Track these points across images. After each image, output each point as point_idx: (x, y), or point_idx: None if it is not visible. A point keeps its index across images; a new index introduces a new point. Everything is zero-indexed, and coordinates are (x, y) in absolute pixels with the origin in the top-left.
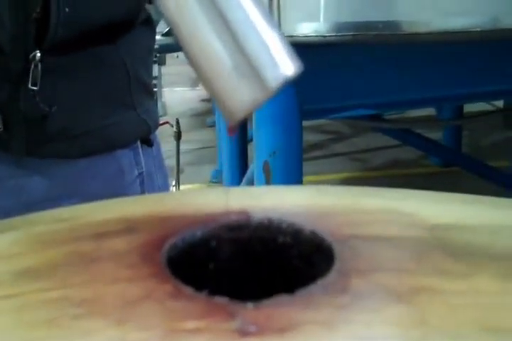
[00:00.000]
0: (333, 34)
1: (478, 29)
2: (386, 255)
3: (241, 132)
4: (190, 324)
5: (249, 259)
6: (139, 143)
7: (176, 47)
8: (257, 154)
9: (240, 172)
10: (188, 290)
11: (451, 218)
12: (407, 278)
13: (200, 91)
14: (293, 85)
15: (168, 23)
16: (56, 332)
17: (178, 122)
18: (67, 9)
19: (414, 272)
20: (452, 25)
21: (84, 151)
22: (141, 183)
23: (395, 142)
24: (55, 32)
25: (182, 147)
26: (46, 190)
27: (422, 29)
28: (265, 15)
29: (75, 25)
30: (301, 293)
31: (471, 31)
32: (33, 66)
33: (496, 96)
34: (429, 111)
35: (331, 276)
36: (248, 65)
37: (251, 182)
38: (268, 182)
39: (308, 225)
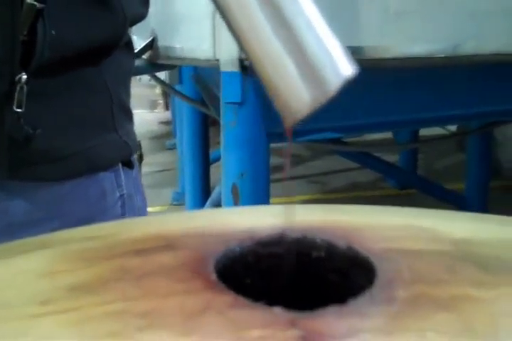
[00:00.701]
0: None
1: (441, 55)
2: (422, 267)
3: (203, 154)
4: (255, 332)
5: (284, 274)
6: (120, 165)
7: (140, 70)
8: (225, 176)
9: (202, 195)
10: (247, 300)
11: (467, 233)
12: (446, 287)
13: (159, 114)
14: (260, 109)
15: (231, 27)
16: None
17: (140, 144)
18: (53, 32)
19: (451, 282)
20: (415, 51)
21: (67, 174)
22: (122, 205)
23: (354, 165)
24: (41, 54)
25: (142, 170)
26: (28, 213)
27: (387, 55)
28: (323, 19)
29: (61, 48)
30: (352, 304)
31: (433, 57)
32: (18, 88)
33: (451, 121)
34: (386, 134)
35: (376, 287)
36: (309, 66)
37: (216, 204)
38: (236, 204)
39: (339, 240)
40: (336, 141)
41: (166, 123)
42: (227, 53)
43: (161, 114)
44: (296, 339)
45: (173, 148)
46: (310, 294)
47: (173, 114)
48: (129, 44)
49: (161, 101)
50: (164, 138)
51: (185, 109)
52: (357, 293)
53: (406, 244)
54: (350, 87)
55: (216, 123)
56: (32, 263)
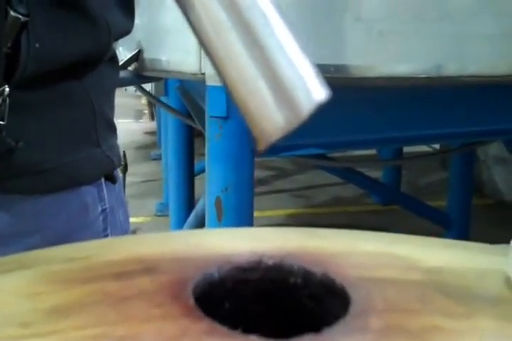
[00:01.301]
0: None
1: (424, 75)
2: (394, 296)
3: (188, 165)
4: None
5: (261, 299)
6: (102, 179)
7: (126, 81)
8: (209, 190)
9: (187, 206)
10: (223, 328)
11: (440, 262)
12: (418, 318)
13: (144, 124)
14: (245, 123)
15: (204, 47)
16: None
17: (124, 155)
18: (37, 45)
19: (423, 312)
20: (399, 71)
21: (49, 187)
22: (104, 220)
23: (337, 180)
24: (24, 67)
25: (126, 180)
26: (9, 225)
27: (371, 73)
28: (297, 42)
29: (45, 61)
30: (327, 332)
31: (416, 77)
32: (0, 100)
33: (433, 140)
34: (370, 150)
35: (350, 316)
36: (282, 90)
37: (200, 217)
38: (220, 217)
39: (315, 267)
40: (320, 156)
41: (151, 133)
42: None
43: (147, 124)
44: None
45: (157, 158)
46: (286, 319)
47: (159, 125)
48: (114, 58)
49: (146, 111)
50: (149, 148)
51: (170, 120)
52: (331, 320)
53: (379, 273)
54: (336, 105)
55: (201, 134)
56: (12, 283)
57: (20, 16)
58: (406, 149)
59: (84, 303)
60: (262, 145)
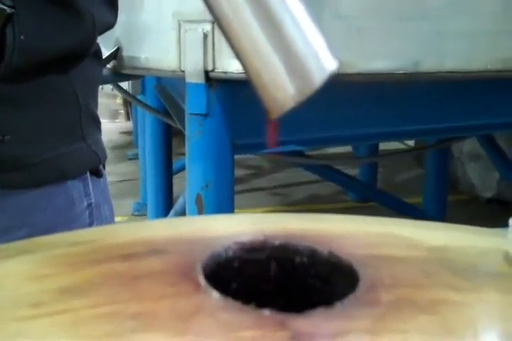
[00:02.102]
0: None
1: (402, 71)
2: (401, 272)
3: (166, 164)
4: (246, 333)
5: (268, 279)
6: (88, 174)
7: (104, 79)
8: (190, 187)
9: (165, 205)
10: (236, 303)
11: (442, 241)
12: (426, 292)
13: (120, 124)
14: (225, 120)
15: (218, 21)
16: None
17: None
18: (22, 37)
19: (430, 287)
20: (377, 67)
21: (35, 182)
22: (90, 214)
23: (314, 177)
24: (10, 60)
25: None
26: None
27: (349, 70)
28: (308, 17)
29: (30, 53)
30: (339, 306)
31: (395, 73)
32: None
33: (410, 135)
34: (346, 148)
35: (360, 291)
36: (295, 60)
37: (179, 214)
38: (200, 214)
39: (321, 247)
40: (298, 154)
41: (127, 133)
42: (192, 64)
43: (122, 123)
44: (286, 339)
45: (134, 158)
46: (294, 299)
47: (135, 124)
48: (98, 53)
49: (122, 111)
50: (125, 148)
51: (148, 119)
52: (340, 297)
53: (385, 251)
54: (313, 101)
55: (179, 133)
56: (17, 266)
57: (5, 8)
58: (382, 147)
59: (95, 283)
60: (274, 115)
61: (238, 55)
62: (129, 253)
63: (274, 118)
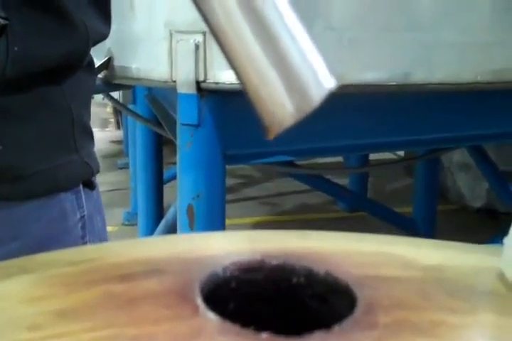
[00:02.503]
0: None
1: (393, 83)
2: (398, 293)
3: (157, 174)
4: None
5: (266, 299)
6: (81, 186)
7: (96, 89)
8: (181, 197)
9: (155, 215)
10: (235, 327)
11: (434, 260)
12: (424, 313)
13: (110, 133)
14: (217, 130)
15: (216, 36)
16: None
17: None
18: (16, 48)
19: (428, 309)
20: (368, 79)
21: (28, 193)
22: (83, 227)
23: (304, 187)
24: (3, 71)
25: None
26: None
27: (341, 81)
28: (307, 34)
29: (24, 64)
30: (337, 329)
31: (385, 85)
32: None
33: (400, 146)
34: (337, 158)
35: (358, 313)
36: (294, 78)
37: (170, 225)
38: (192, 225)
39: (317, 266)
40: (288, 164)
41: (118, 142)
42: (184, 75)
43: (112, 132)
44: None
45: (124, 167)
46: (291, 319)
47: (125, 133)
48: (91, 64)
49: (112, 120)
50: (115, 157)
51: (138, 128)
52: (337, 317)
53: (380, 270)
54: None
55: (169, 142)
56: (13, 287)
57: None
58: (372, 157)
59: (91, 306)
60: (272, 133)
61: (236, 72)
62: (126, 274)
63: (273, 135)
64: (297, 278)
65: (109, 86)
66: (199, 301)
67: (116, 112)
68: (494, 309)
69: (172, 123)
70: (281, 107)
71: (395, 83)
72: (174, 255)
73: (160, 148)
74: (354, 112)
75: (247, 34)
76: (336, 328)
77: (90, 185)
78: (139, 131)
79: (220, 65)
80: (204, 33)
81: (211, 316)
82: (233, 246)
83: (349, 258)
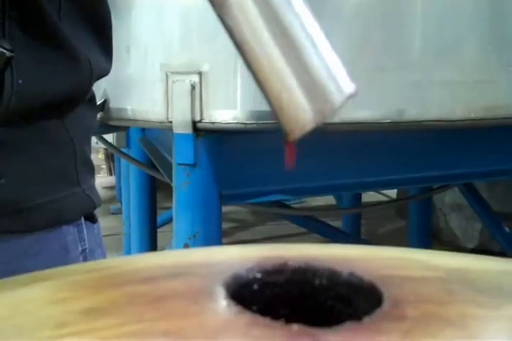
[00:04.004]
0: (254, 122)
1: (388, 120)
2: (425, 290)
3: (151, 218)
4: None
5: (287, 302)
6: (82, 219)
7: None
8: (177, 237)
9: None
10: (266, 319)
11: (456, 265)
12: (452, 307)
13: (102, 179)
14: (213, 170)
15: (238, 45)
16: None
17: None
18: (20, 81)
19: (455, 303)
20: (362, 117)
21: (29, 227)
22: (84, 260)
23: (299, 230)
24: (7, 103)
25: None
26: None
27: (335, 119)
28: (327, 41)
29: (28, 97)
30: (367, 321)
31: (379, 122)
32: None
33: (392, 184)
34: (330, 201)
35: (386, 307)
36: (315, 84)
37: None
38: None
39: (340, 268)
40: (282, 206)
41: (110, 188)
42: (180, 115)
43: (105, 178)
44: None
45: (117, 212)
46: (314, 322)
47: (118, 179)
48: (92, 99)
49: (104, 166)
50: (108, 202)
51: (132, 173)
52: (362, 317)
53: (404, 272)
54: (299, 152)
55: (162, 187)
56: (36, 292)
57: (5, 51)
58: (364, 199)
59: (118, 304)
60: (295, 136)
61: (257, 78)
62: (148, 276)
63: (294, 139)
64: (320, 280)
65: (104, 128)
66: (226, 298)
67: (108, 158)
68: None
69: (167, 165)
70: (302, 112)
71: (389, 121)
72: (193, 261)
73: (154, 192)
74: (347, 151)
75: (268, 40)
76: (366, 319)
77: (92, 219)
78: (132, 176)
79: (216, 104)
80: (200, 74)
81: (240, 310)
82: (253, 253)
83: (372, 262)
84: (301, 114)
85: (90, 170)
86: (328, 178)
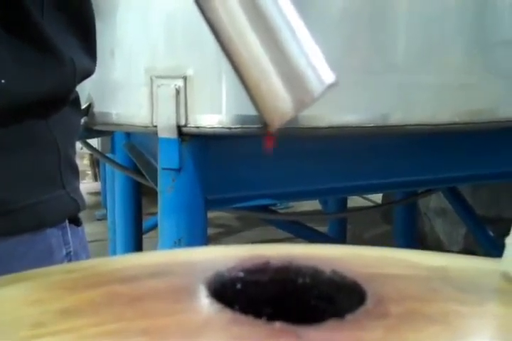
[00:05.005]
0: (239, 126)
1: (372, 124)
2: (407, 288)
3: (136, 224)
4: None
5: (270, 300)
6: (67, 222)
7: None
8: (162, 242)
9: None
10: (247, 317)
11: (437, 263)
12: (434, 304)
13: (87, 185)
14: (198, 175)
15: (217, 34)
16: None
17: None
18: (3, 81)
19: (438, 300)
20: (347, 121)
21: (13, 229)
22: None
23: (284, 235)
24: None
25: None
26: None
27: (320, 124)
28: (307, 31)
29: (11, 98)
30: (350, 318)
31: (365, 126)
32: None
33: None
34: (315, 206)
35: (369, 305)
36: (294, 71)
37: None
38: None
39: (323, 267)
40: (267, 211)
41: (95, 193)
42: (164, 119)
43: (90, 184)
44: None
45: (102, 218)
46: (297, 321)
47: (103, 184)
48: (77, 101)
49: (89, 172)
50: (93, 208)
51: (117, 178)
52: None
53: (386, 270)
54: (281, 155)
55: (148, 193)
56: (15, 292)
57: None
58: (349, 204)
59: (96, 304)
60: (273, 127)
61: (236, 67)
62: (128, 276)
63: (274, 129)
64: (303, 279)
65: (89, 132)
66: (207, 296)
67: (93, 164)
68: (502, 301)
69: (152, 170)
70: (281, 101)
71: (374, 125)
72: (175, 260)
73: (139, 197)
74: (333, 156)
75: (247, 29)
76: (349, 317)
77: (76, 222)
78: (117, 181)
79: (201, 109)
80: (185, 78)
81: (221, 308)
82: (235, 252)
83: (354, 261)
84: (281, 103)
85: (75, 172)
86: (313, 182)
